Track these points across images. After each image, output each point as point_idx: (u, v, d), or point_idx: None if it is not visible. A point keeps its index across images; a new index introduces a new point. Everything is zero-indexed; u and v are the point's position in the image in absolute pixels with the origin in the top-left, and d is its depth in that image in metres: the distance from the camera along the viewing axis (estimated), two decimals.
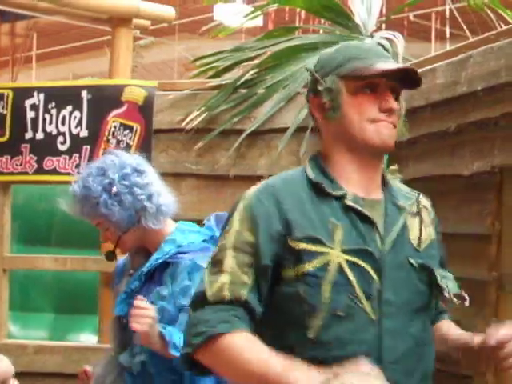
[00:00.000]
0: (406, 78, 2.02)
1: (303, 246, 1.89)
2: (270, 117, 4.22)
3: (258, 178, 4.17)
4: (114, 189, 2.74)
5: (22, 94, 4.43)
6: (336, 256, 1.88)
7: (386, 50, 4.08)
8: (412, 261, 1.94)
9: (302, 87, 4.23)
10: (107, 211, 2.75)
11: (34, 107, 4.39)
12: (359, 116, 1.97)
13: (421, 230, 1.99)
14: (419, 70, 3.55)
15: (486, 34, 3.30)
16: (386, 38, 4.20)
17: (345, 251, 1.89)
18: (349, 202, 1.93)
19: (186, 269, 2.72)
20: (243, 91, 4.30)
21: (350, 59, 2.01)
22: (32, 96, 4.41)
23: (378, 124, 1.96)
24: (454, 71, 3.35)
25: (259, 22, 9.24)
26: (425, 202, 2.11)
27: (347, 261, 1.89)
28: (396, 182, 2.15)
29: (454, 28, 9.68)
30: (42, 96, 4.39)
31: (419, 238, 1.97)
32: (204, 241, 2.87)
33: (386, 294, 1.90)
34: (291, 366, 1.74)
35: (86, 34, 12.26)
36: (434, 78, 3.49)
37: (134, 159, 2.88)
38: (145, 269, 2.81)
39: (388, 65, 1.99)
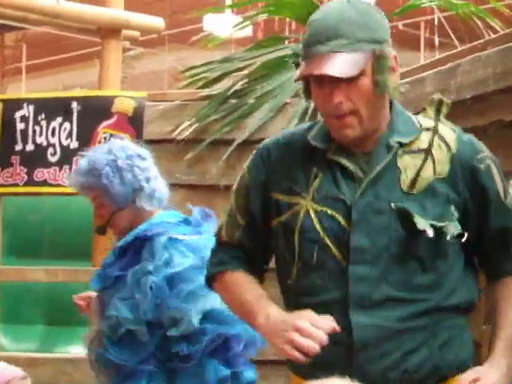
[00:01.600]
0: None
1: (280, 197, 1.97)
2: (261, 127, 4.23)
3: None
4: (119, 162, 2.91)
5: (12, 105, 4.43)
6: (305, 205, 1.93)
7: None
8: (392, 205, 1.87)
9: (291, 97, 4.25)
10: (108, 182, 2.90)
11: (24, 119, 4.39)
12: (320, 109, 1.97)
13: (419, 169, 1.89)
14: (408, 79, 3.58)
15: (474, 43, 3.32)
16: None
17: (316, 200, 1.92)
18: (329, 155, 1.94)
19: (162, 244, 2.85)
20: (233, 101, 4.31)
21: (304, 45, 1.96)
22: (22, 108, 4.41)
23: (333, 122, 1.92)
24: (442, 80, 3.37)
25: (249, 32, 9.28)
26: (448, 134, 1.95)
27: (315, 209, 1.92)
28: (409, 117, 1.98)
29: (442, 36, 9.74)
30: (31, 108, 4.39)
31: (413, 179, 1.88)
32: (178, 223, 2.96)
33: (355, 240, 1.88)
34: (260, 303, 1.95)
35: (75, 45, 12.24)
36: (423, 86, 3.50)
37: (137, 147, 3.08)
38: (120, 243, 2.96)
39: (312, 65, 1.89)
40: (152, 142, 4.32)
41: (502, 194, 1.94)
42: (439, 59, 3.60)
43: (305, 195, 1.93)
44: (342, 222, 1.90)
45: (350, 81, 1.86)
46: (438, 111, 1.98)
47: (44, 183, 4.32)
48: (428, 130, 1.95)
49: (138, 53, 10.36)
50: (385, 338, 1.86)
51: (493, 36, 3.48)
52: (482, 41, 3.36)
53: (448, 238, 1.87)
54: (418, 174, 1.89)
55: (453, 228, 1.88)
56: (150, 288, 2.80)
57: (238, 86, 4.32)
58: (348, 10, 1.89)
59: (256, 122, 4.22)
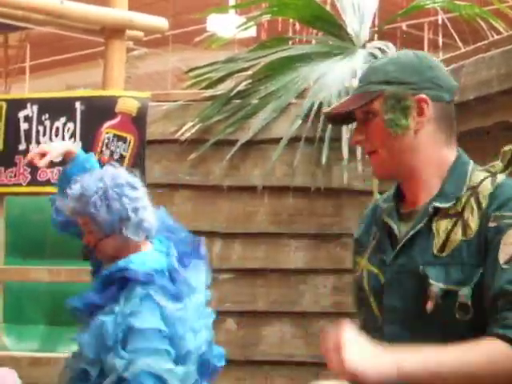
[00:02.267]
0: None
1: (355, 256, 2.09)
2: (264, 127, 4.22)
3: (253, 189, 4.24)
4: (108, 191, 2.95)
5: (16, 105, 4.44)
6: (362, 265, 2.03)
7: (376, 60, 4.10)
8: (420, 268, 1.89)
9: (295, 97, 4.25)
10: (95, 210, 2.93)
11: (28, 119, 4.40)
12: None
13: (449, 232, 1.89)
14: None
15: (478, 44, 3.31)
16: (379, 49, 4.22)
17: (369, 260, 2.01)
18: (383, 216, 2.01)
19: (139, 296, 2.89)
20: (237, 102, 4.31)
21: None
22: (25, 107, 4.41)
23: None
24: None
25: (252, 32, 9.28)
26: (484, 190, 1.90)
27: (367, 269, 2.01)
28: (465, 173, 1.95)
29: (446, 37, 9.73)
30: (35, 107, 4.40)
31: (443, 243, 1.89)
32: (157, 270, 2.96)
33: (388, 300, 1.93)
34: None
35: (79, 45, 12.25)
36: None
37: (130, 175, 3.07)
38: (105, 272, 3.03)
39: (336, 106, 2.07)
40: (155, 143, 4.34)
41: (501, 260, 1.86)
42: (443, 60, 3.59)
43: (365, 255, 2.03)
44: (382, 281, 1.96)
45: (367, 121, 1.95)
46: (509, 162, 1.97)
47: (47, 183, 4.32)
48: (473, 188, 1.93)
49: (141, 53, 10.37)
50: None
51: (497, 37, 3.48)
52: (485, 42, 3.36)
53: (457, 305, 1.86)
54: (447, 238, 1.90)
55: (463, 296, 1.86)
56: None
57: (241, 87, 4.32)
58: (385, 59, 2.02)
59: (259, 122, 4.22)
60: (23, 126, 4.39)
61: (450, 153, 1.96)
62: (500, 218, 1.86)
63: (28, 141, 4.40)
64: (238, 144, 4.20)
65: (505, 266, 1.82)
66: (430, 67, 1.96)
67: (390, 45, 4.23)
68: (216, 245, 4.25)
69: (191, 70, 4.55)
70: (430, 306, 1.86)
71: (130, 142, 4.29)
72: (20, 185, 4.36)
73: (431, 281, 1.88)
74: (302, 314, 4.16)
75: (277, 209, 4.23)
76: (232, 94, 4.30)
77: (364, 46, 4.34)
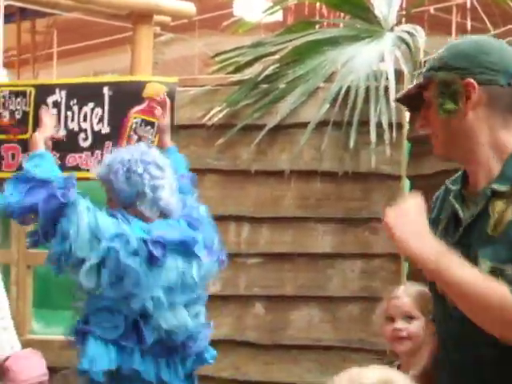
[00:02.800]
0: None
1: None
2: (292, 111, 4.21)
3: (280, 173, 4.23)
4: (132, 164, 3.07)
5: (45, 91, 4.45)
6: None
7: (406, 43, 4.08)
8: (475, 248, 1.93)
9: (323, 81, 4.23)
10: (115, 179, 3.07)
11: (56, 104, 4.41)
12: None
13: (503, 212, 1.92)
14: None
15: (509, 27, 3.28)
16: (407, 32, 4.19)
17: None
18: (450, 198, 2.04)
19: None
20: (264, 86, 4.30)
21: None
22: (54, 93, 4.43)
23: None
24: None
25: (279, 16, 9.23)
26: None
27: None
28: None
29: (474, 20, 9.63)
30: (63, 93, 4.41)
31: (495, 223, 1.92)
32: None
33: None
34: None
35: (106, 30, 12.27)
36: None
37: (160, 156, 3.19)
38: None
39: (400, 93, 2.17)
40: (183, 128, 4.34)
41: None
42: None
43: (436, 236, 2.00)
44: None
45: (427, 107, 2.02)
46: None
47: (76, 168, 4.34)
48: None
49: (167, 38, 10.36)
50: None
51: None
52: None
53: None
54: (500, 218, 1.93)
55: (509, 274, 1.87)
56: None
57: (269, 71, 4.31)
58: (446, 45, 2.06)
59: (287, 106, 4.21)
60: (52, 111, 4.41)
61: (510, 136, 1.97)
62: None
63: (56, 126, 4.41)
64: (266, 129, 4.20)
65: None
66: (485, 52, 1.98)
67: (419, 28, 4.20)
68: (244, 229, 4.25)
69: (218, 54, 4.55)
70: None
71: (157, 127, 4.29)
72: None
73: (480, 259, 1.91)
74: (330, 298, 4.16)
75: (304, 193, 4.22)
76: (259, 78, 4.29)
77: (392, 30, 4.32)
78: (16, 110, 4.47)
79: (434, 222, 2.06)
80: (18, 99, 4.47)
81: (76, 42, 13.70)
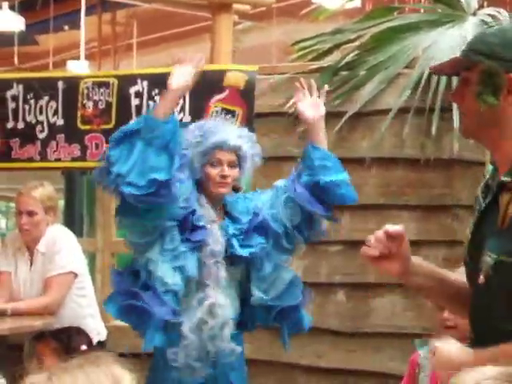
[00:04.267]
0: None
1: None
2: (372, 98, 4.18)
3: (360, 160, 4.21)
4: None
5: (127, 81, 4.52)
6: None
7: (489, 27, 4.00)
8: (483, 240, 1.95)
9: (403, 68, 4.19)
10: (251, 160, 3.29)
11: (139, 94, 4.47)
12: None
13: (509, 204, 1.92)
14: None
15: None
16: (490, 15, 4.12)
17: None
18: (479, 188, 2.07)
19: None
20: (344, 73, 4.28)
21: None
22: (136, 83, 4.48)
23: None
24: None
25: (357, 3, 9.16)
26: None
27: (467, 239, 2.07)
28: None
29: None
30: (145, 83, 4.47)
31: (503, 216, 1.92)
32: None
33: (467, 269, 2.04)
34: None
35: (185, 20, 12.36)
36: None
37: None
38: None
39: (438, 65, 2.21)
40: (263, 116, 4.35)
41: None
42: None
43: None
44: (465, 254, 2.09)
45: (464, 85, 2.00)
46: None
47: None
48: None
49: (245, 27, 10.39)
50: None
51: None
52: None
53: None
54: (505, 211, 1.93)
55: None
56: None
57: (348, 58, 4.29)
58: (497, 28, 2.14)
59: (367, 93, 4.18)
60: (134, 101, 4.47)
61: None
62: None
63: (139, 116, 4.46)
64: (346, 116, 4.18)
65: None
66: None
67: (503, 11, 4.12)
68: None
69: (298, 42, 4.54)
70: (481, 279, 1.90)
71: (238, 115, 4.32)
72: None
73: (486, 251, 1.91)
74: None
75: (385, 180, 4.19)
76: (339, 65, 4.27)
77: (475, 14, 4.25)
78: (99, 100, 4.55)
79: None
80: (101, 90, 4.55)
81: (155, 32, 13.83)
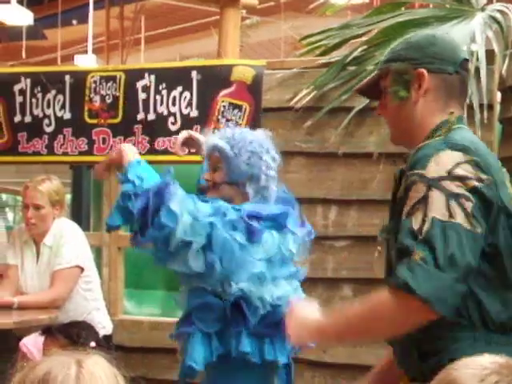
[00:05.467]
0: None
1: None
2: None
3: (368, 156, 4.21)
4: (257, 147, 3.01)
5: (134, 75, 4.52)
6: None
7: (498, 22, 3.99)
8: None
9: None
10: (234, 155, 2.98)
11: (146, 88, 4.48)
12: None
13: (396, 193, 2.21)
14: None
15: None
16: (499, 11, 4.11)
17: None
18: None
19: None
20: (352, 68, 4.27)
21: None
22: (143, 77, 4.49)
23: None
24: None
25: None
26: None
27: None
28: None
29: None
30: (153, 77, 4.47)
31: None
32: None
33: None
34: None
35: (192, 15, 12.38)
36: None
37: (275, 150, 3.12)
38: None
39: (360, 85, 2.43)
40: (271, 110, 4.35)
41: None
42: None
43: None
44: None
45: (383, 95, 2.22)
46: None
47: (165, 152, 4.40)
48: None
49: (253, 22, 10.38)
50: None
51: None
52: None
53: None
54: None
55: None
56: None
57: (356, 53, 4.28)
58: (400, 40, 2.27)
59: None
60: (141, 95, 4.48)
61: (439, 118, 2.14)
62: (410, 176, 2.08)
63: (146, 110, 4.48)
64: (354, 111, 4.17)
65: (404, 219, 2.08)
66: (433, 44, 2.17)
67: (511, 6, 4.10)
68: (331, 212, 4.25)
69: (305, 37, 4.53)
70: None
71: (245, 110, 4.32)
72: (139, 153, 4.44)
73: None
74: None
75: (393, 175, 4.18)
76: (347, 60, 4.26)
77: (483, 9, 4.23)
78: (106, 94, 4.56)
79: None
80: (109, 84, 4.55)
81: (163, 26, 13.85)
